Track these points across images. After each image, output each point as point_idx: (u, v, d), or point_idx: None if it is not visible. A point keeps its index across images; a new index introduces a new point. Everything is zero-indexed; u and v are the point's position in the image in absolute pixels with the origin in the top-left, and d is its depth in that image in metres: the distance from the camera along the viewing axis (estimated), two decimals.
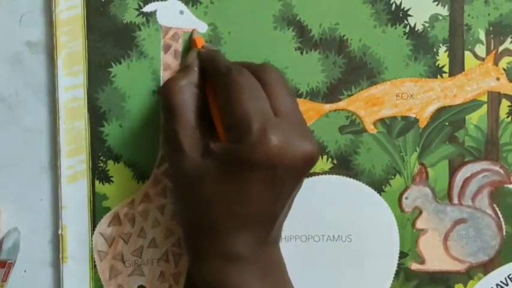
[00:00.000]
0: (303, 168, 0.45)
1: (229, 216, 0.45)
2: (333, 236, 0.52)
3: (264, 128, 0.43)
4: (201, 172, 0.45)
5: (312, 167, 0.45)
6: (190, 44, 0.51)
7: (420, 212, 0.52)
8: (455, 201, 0.52)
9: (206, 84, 0.48)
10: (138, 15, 0.51)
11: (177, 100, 0.46)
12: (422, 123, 0.52)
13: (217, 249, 0.45)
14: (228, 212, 0.45)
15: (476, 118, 0.52)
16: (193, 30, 0.51)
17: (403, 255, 0.52)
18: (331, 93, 0.52)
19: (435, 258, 0.53)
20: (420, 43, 0.51)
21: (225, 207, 0.44)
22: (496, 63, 0.52)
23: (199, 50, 0.49)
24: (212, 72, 0.47)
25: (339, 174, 0.52)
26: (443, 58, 0.52)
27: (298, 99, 0.51)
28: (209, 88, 0.47)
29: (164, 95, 0.47)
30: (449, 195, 0.52)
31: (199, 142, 0.45)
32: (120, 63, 0.51)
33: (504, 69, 0.52)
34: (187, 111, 0.46)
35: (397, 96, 0.52)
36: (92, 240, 0.52)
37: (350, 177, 0.52)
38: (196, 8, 0.51)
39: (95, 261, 0.52)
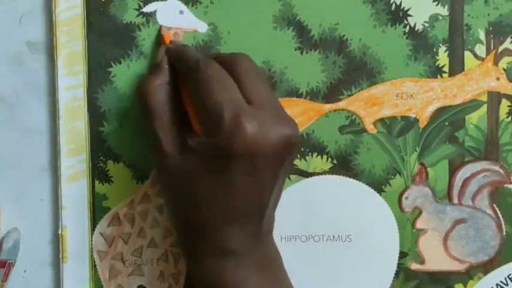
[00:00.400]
0: (282, 154, 0.44)
1: (218, 210, 0.44)
2: (333, 236, 0.52)
3: (237, 116, 0.42)
4: (183, 169, 0.45)
5: (292, 150, 0.44)
6: (159, 41, 0.51)
7: (420, 212, 0.52)
8: (455, 201, 0.52)
9: (179, 80, 0.48)
10: (138, 15, 0.51)
11: (152, 101, 0.46)
12: (422, 123, 0.52)
13: (211, 246, 0.45)
14: (216, 206, 0.44)
15: (476, 118, 0.52)
16: (161, 26, 0.51)
17: (403, 255, 0.52)
18: (331, 93, 0.52)
19: (435, 258, 0.52)
20: (420, 43, 0.51)
21: (211, 202, 0.44)
22: (496, 63, 0.52)
23: (168, 46, 0.49)
24: (181, 68, 0.47)
25: (339, 174, 0.52)
26: (443, 58, 0.52)
27: (298, 99, 0.51)
28: (182, 84, 0.47)
29: (139, 97, 0.47)
30: (449, 195, 0.52)
31: (177, 140, 0.45)
32: (120, 63, 0.51)
33: (504, 69, 0.52)
34: (163, 111, 0.46)
35: (397, 96, 0.52)
36: (91, 240, 0.52)
37: (350, 177, 0.52)
38: (196, 8, 0.51)
39: (94, 261, 0.52)
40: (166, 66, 0.48)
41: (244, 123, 0.42)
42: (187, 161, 0.44)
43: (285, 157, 0.44)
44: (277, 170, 0.45)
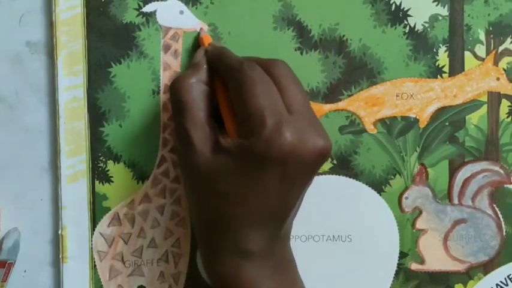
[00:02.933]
0: (315, 164, 0.45)
1: (243, 211, 0.45)
2: (333, 236, 0.52)
3: (279, 124, 0.43)
4: (213, 168, 0.45)
5: (324, 162, 0.45)
6: (197, 42, 0.51)
7: (420, 212, 0.52)
8: (455, 201, 0.52)
9: (215, 81, 0.48)
10: (137, 15, 0.51)
11: (187, 97, 0.46)
12: (422, 123, 0.52)
13: (232, 244, 0.45)
14: (242, 206, 0.45)
15: (476, 118, 0.52)
16: (201, 29, 0.51)
17: (403, 255, 0.52)
18: (331, 93, 0.52)
19: (435, 258, 0.52)
20: (420, 43, 0.51)
21: (238, 202, 0.45)
22: (496, 63, 0.52)
23: (207, 47, 0.49)
24: (222, 69, 0.47)
25: (339, 174, 0.52)
26: (443, 58, 0.52)
27: None
28: (218, 85, 0.47)
29: (174, 92, 0.47)
30: (449, 196, 0.52)
31: (209, 138, 0.45)
32: (120, 63, 0.51)
33: (504, 69, 0.52)
34: (196, 108, 0.46)
35: (397, 96, 0.52)
36: (92, 240, 0.52)
37: (350, 177, 0.52)
38: (196, 8, 0.51)
39: (95, 261, 0.52)
40: (205, 67, 0.48)
41: (285, 131, 0.43)
42: (218, 160, 0.45)
43: (317, 167, 0.45)
44: (307, 179, 0.46)
